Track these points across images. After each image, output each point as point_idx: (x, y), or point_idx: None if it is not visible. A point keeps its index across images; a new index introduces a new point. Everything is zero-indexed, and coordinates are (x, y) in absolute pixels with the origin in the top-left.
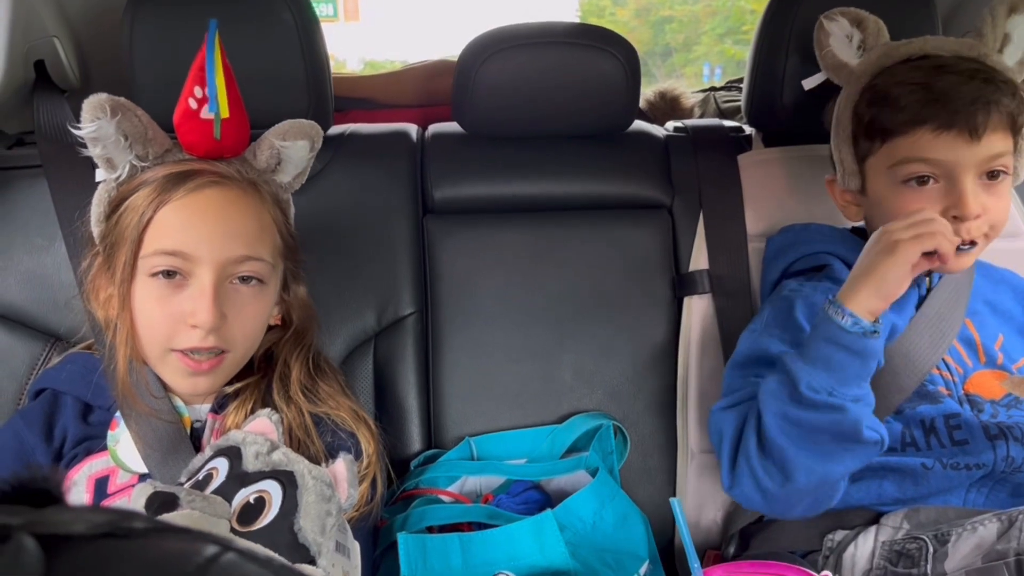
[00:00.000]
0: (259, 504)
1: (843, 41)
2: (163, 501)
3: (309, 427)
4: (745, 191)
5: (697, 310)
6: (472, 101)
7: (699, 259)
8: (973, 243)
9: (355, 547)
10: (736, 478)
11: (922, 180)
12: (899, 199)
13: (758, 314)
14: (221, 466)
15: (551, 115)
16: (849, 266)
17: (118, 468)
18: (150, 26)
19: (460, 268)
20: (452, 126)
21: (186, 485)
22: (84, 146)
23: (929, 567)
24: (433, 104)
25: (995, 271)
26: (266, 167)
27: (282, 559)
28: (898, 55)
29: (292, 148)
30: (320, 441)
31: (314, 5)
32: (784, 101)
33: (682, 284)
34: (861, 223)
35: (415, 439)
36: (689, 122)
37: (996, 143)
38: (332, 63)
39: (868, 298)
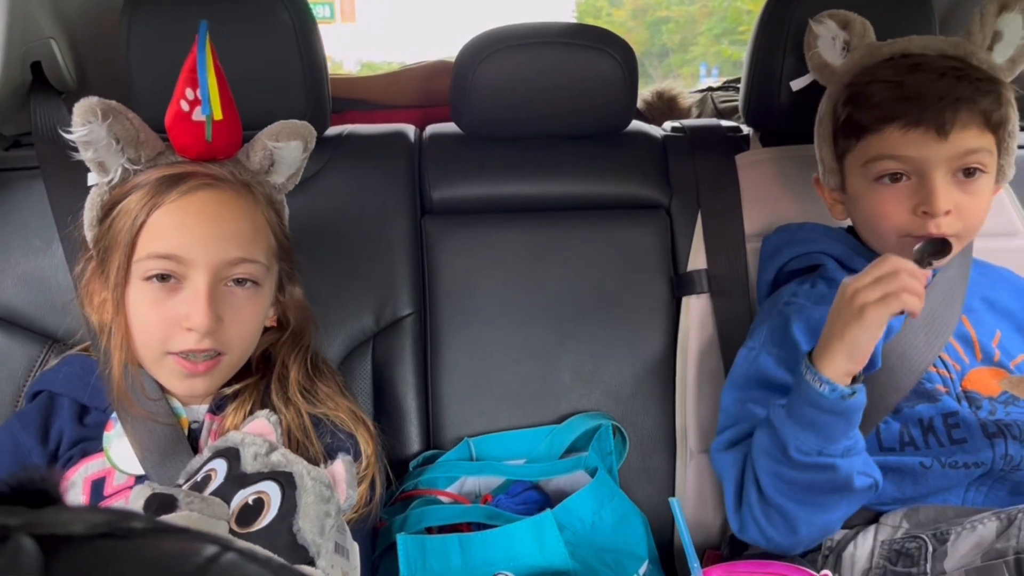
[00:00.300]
0: (258, 505)
1: (829, 43)
2: (161, 503)
3: (308, 428)
4: (743, 191)
5: (695, 310)
6: (470, 101)
7: (697, 259)
8: (945, 236)
9: (354, 548)
10: (743, 525)
11: (894, 177)
12: (873, 196)
13: (755, 325)
14: (219, 467)
15: (549, 115)
16: (842, 265)
17: (114, 470)
18: (147, 28)
19: (458, 268)
20: (450, 127)
21: (184, 486)
22: (76, 150)
23: (928, 566)
24: (431, 105)
25: (992, 269)
26: (259, 168)
27: (281, 559)
28: (881, 54)
29: (285, 149)
30: (319, 442)
31: (311, 6)
32: (781, 101)
33: (680, 284)
34: (849, 222)
35: (414, 440)
36: (687, 122)
37: (968, 140)
38: (329, 65)
39: (842, 363)
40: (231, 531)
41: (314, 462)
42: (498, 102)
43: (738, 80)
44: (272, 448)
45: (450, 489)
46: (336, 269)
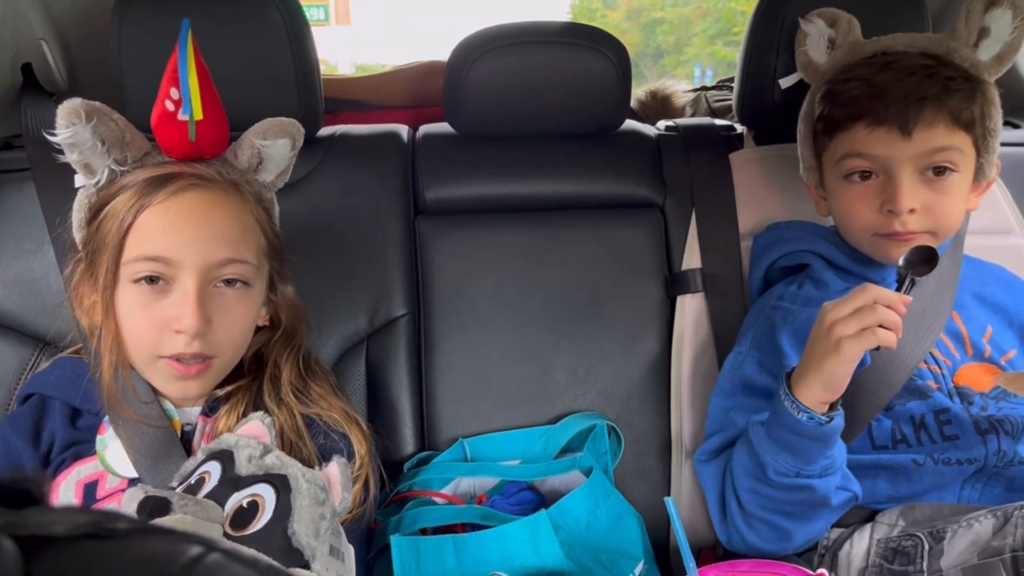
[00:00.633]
0: (252, 508)
1: (817, 41)
2: (155, 505)
3: (301, 429)
4: (737, 189)
5: (690, 309)
6: (463, 101)
7: (691, 258)
8: (912, 234)
9: (349, 550)
10: (729, 535)
11: (863, 175)
12: (843, 194)
13: (743, 329)
14: (213, 470)
15: (542, 114)
16: (830, 264)
17: (107, 473)
18: (138, 28)
19: (452, 269)
20: (443, 127)
21: (178, 489)
22: (62, 152)
23: (925, 564)
24: (424, 105)
25: (983, 265)
26: (248, 167)
27: (268, 559)
28: (863, 52)
29: (273, 147)
30: (312, 443)
31: (305, 9)
32: (775, 99)
33: (675, 283)
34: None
35: (408, 441)
36: (680, 121)
37: (934, 139)
38: (324, 67)
39: (820, 393)
40: (225, 534)
41: (308, 463)
42: (491, 101)
43: (732, 79)
44: (266, 450)
45: (445, 490)
46: (329, 270)
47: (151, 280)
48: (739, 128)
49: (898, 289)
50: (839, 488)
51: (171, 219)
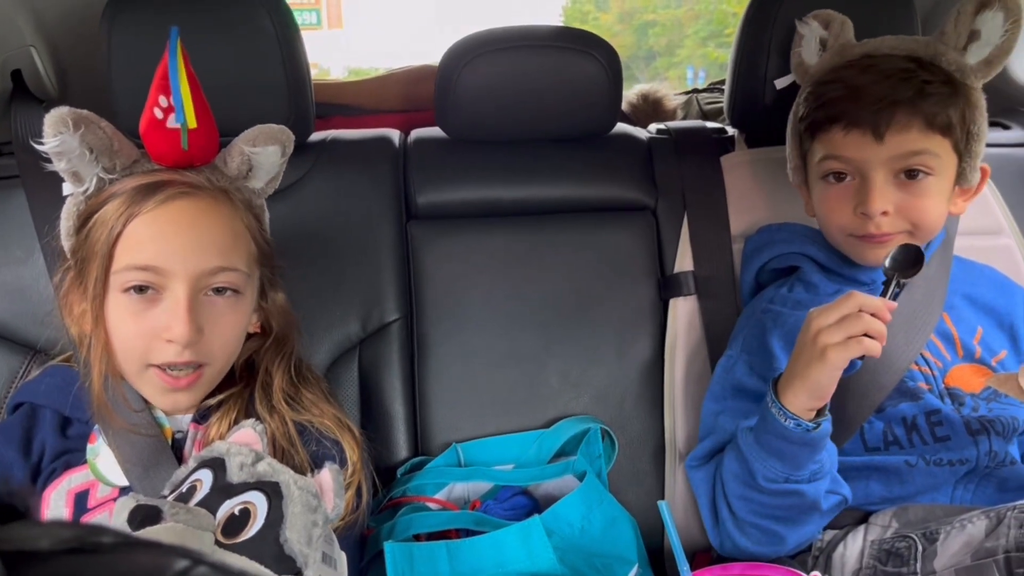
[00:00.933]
0: (244, 516)
1: (810, 42)
2: (146, 514)
3: (293, 436)
4: (728, 192)
5: (683, 312)
6: (454, 105)
7: (684, 261)
8: (887, 236)
9: (342, 557)
10: (721, 541)
11: (839, 177)
12: (821, 195)
13: (735, 333)
14: (205, 478)
15: (533, 118)
16: (820, 266)
17: (98, 482)
18: (128, 34)
19: (445, 273)
20: (435, 131)
21: (169, 497)
22: (50, 161)
23: (919, 565)
24: (415, 109)
25: (973, 266)
26: (237, 174)
27: (257, 569)
28: (851, 55)
29: (263, 154)
30: (304, 450)
31: (297, 13)
32: (766, 102)
33: (667, 286)
34: None
35: (401, 446)
36: (672, 124)
37: (907, 142)
38: (316, 71)
39: (806, 400)
40: (217, 542)
41: (300, 470)
42: (483, 106)
43: (723, 82)
44: (258, 458)
45: (438, 495)
46: (321, 276)
47: (141, 289)
48: (730, 131)
49: (884, 291)
50: (829, 492)
51: (161, 228)
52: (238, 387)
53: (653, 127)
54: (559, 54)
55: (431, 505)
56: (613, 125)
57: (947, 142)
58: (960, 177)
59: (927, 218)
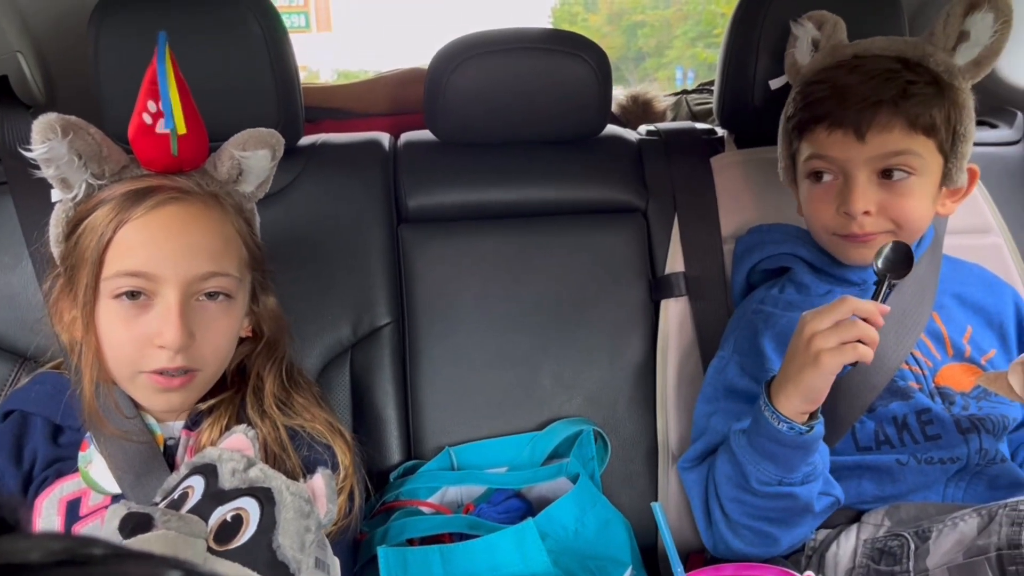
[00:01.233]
0: (236, 522)
1: (803, 43)
2: (137, 522)
3: (285, 442)
4: (718, 193)
5: (674, 313)
6: (444, 108)
7: (675, 262)
8: (870, 236)
9: (335, 562)
10: (714, 542)
11: (823, 176)
12: (807, 195)
13: (726, 334)
14: (197, 484)
15: (523, 121)
16: (811, 267)
17: (90, 489)
18: (116, 39)
19: (436, 277)
20: (424, 134)
21: (161, 504)
22: (38, 167)
23: (911, 564)
24: (405, 112)
25: (962, 264)
26: (227, 178)
27: None
28: (842, 55)
29: (253, 158)
30: (296, 455)
31: (286, 16)
32: (755, 102)
33: (658, 287)
34: None
35: (394, 450)
36: (661, 125)
37: (889, 143)
38: (305, 74)
39: (799, 404)
40: (210, 549)
41: (292, 476)
42: (472, 108)
43: (712, 82)
44: (250, 464)
45: (431, 499)
46: (312, 280)
47: (132, 295)
48: (720, 132)
49: (876, 293)
50: (822, 493)
51: (151, 233)
52: (229, 392)
53: (643, 128)
54: (548, 56)
55: (424, 509)
56: (603, 127)
57: (931, 142)
58: (946, 178)
59: (910, 218)
